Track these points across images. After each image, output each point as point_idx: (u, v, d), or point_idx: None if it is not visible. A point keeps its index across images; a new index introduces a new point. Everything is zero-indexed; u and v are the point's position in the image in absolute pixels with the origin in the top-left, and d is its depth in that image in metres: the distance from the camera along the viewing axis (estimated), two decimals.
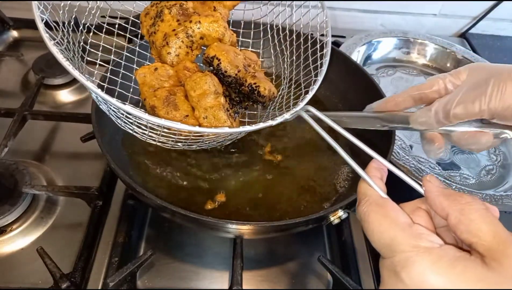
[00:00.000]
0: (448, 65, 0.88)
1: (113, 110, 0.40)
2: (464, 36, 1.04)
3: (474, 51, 0.96)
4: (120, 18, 0.52)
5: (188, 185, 0.54)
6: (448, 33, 1.05)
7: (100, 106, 0.41)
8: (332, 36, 0.67)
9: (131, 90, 0.50)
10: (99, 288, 0.49)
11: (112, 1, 0.51)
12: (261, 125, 0.38)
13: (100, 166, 0.61)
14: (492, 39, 1.03)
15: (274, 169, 0.58)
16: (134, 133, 0.42)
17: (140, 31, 0.51)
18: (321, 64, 0.46)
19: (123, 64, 0.52)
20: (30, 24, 0.85)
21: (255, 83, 0.45)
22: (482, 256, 0.26)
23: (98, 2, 0.50)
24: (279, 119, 0.39)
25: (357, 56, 0.82)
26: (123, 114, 0.39)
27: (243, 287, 0.47)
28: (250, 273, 0.53)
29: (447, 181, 0.60)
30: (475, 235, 0.26)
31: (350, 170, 0.60)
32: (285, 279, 0.53)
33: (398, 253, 0.27)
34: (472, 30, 1.03)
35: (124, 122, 0.41)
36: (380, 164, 0.35)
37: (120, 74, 0.51)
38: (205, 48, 0.47)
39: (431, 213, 0.31)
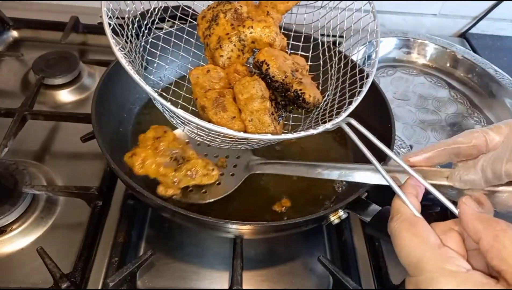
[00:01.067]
0: (448, 65, 0.88)
1: (167, 111, 0.42)
2: (464, 36, 1.04)
3: (474, 51, 0.96)
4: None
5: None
6: (448, 33, 1.05)
7: (156, 105, 0.44)
8: (332, 36, 0.67)
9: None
10: (99, 288, 0.49)
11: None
12: (302, 133, 0.39)
13: (100, 166, 0.61)
14: (492, 39, 1.03)
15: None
16: (186, 132, 0.45)
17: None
18: (367, 75, 0.46)
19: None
20: (30, 24, 0.86)
21: (300, 90, 0.47)
22: (509, 284, 0.26)
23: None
24: (320, 129, 0.40)
25: (357, 56, 0.82)
26: (175, 116, 0.42)
27: (243, 287, 0.47)
28: (250, 273, 0.53)
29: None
30: (505, 262, 0.26)
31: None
32: (285, 279, 0.53)
33: (424, 273, 0.28)
34: (472, 30, 1.03)
35: (177, 121, 0.44)
36: (417, 181, 0.35)
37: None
38: (256, 51, 0.49)
39: (463, 235, 0.31)
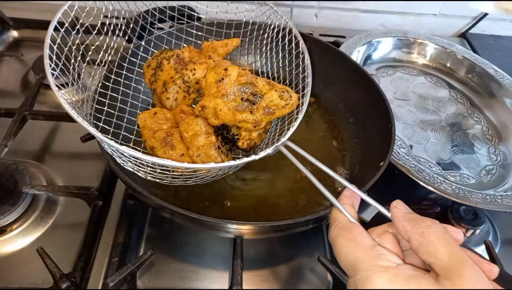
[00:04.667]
0: (448, 65, 0.88)
1: (115, 152, 0.43)
2: (464, 36, 1.04)
3: (474, 51, 0.96)
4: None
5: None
6: (448, 33, 1.05)
7: (105, 148, 0.44)
8: (332, 36, 0.68)
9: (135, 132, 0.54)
10: (99, 288, 0.49)
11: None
12: (244, 159, 0.41)
13: (100, 166, 0.61)
14: (492, 39, 1.03)
15: (272, 169, 0.58)
16: (136, 172, 0.46)
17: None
18: (302, 103, 0.49)
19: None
20: (30, 24, 0.86)
21: (236, 134, 0.49)
22: (438, 275, 0.28)
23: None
24: (261, 154, 0.42)
25: (357, 56, 0.82)
26: (124, 155, 0.42)
27: (243, 287, 0.47)
28: (250, 273, 0.53)
29: (447, 181, 0.60)
30: (433, 255, 0.29)
31: (348, 171, 0.60)
32: (285, 279, 0.53)
33: (360, 272, 0.30)
34: (472, 30, 1.03)
35: (126, 161, 0.44)
36: (352, 192, 0.37)
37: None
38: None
39: (398, 237, 0.33)
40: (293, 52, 0.55)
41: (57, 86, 0.39)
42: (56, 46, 0.41)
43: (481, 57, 0.87)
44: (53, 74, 0.40)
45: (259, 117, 0.46)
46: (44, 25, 0.84)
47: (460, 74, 0.87)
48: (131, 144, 0.51)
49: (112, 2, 0.51)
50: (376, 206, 0.35)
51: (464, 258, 0.28)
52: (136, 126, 0.53)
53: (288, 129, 0.45)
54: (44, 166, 0.61)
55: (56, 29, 0.41)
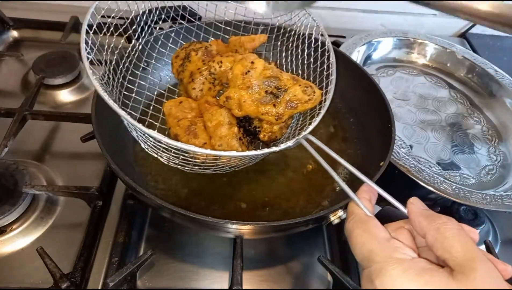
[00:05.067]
0: (448, 65, 0.88)
1: (141, 136, 0.44)
2: (464, 36, 1.04)
3: (474, 51, 0.96)
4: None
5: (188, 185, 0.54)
6: (448, 33, 1.05)
7: (131, 133, 0.45)
8: (332, 36, 0.68)
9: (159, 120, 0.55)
10: (99, 288, 0.49)
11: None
12: (265, 150, 0.42)
13: (100, 166, 0.61)
14: (492, 39, 1.03)
15: (272, 169, 0.58)
16: (159, 157, 0.47)
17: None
18: (325, 100, 0.50)
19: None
20: (30, 24, 0.85)
21: (258, 127, 0.50)
22: (452, 270, 0.28)
23: None
24: (282, 146, 0.43)
25: (357, 56, 0.82)
26: (149, 139, 0.44)
27: (243, 287, 0.47)
28: (250, 273, 0.53)
29: (447, 181, 0.60)
30: (447, 251, 0.29)
31: (348, 171, 0.60)
32: (285, 279, 0.53)
33: (374, 263, 0.30)
34: (472, 30, 1.03)
35: (151, 147, 0.45)
36: (370, 188, 0.38)
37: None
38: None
39: (413, 233, 0.34)
40: (319, 50, 0.57)
41: (91, 70, 0.40)
42: (92, 31, 0.44)
43: (481, 57, 0.87)
44: (88, 58, 0.41)
45: (282, 110, 0.47)
46: (44, 25, 0.85)
47: (460, 74, 0.87)
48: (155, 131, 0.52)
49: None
50: (392, 202, 0.35)
51: (479, 254, 0.28)
52: (161, 114, 0.55)
53: (310, 123, 0.46)
54: (44, 166, 0.61)
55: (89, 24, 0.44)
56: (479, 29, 1.04)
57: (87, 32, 0.43)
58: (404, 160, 0.60)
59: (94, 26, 0.44)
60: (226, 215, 0.52)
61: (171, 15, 0.61)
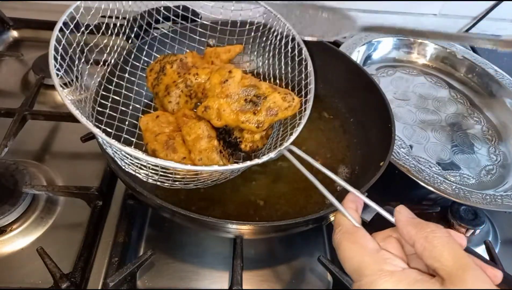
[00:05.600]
0: (448, 65, 0.88)
1: (117, 153, 0.43)
2: None
3: (474, 51, 0.96)
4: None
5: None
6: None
7: (106, 150, 0.44)
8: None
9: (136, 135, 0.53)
10: (99, 288, 0.49)
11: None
12: (248, 163, 0.41)
13: (100, 166, 0.61)
14: None
15: (272, 169, 0.58)
16: (137, 174, 0.45)
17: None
18: (305, 109, 0.48)
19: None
20: (30, 24, 0.85)
21: (239, 137, 0.49)
22: (443, 279, 0.28)
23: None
24: (264, 158, 0.42)
25: (357, 56, 0.82)
26: (126, 156, 0.42)
27: (243, 287, 0.47)
28: (250, 273, 0.53)
29: (447, 181, 0.60)
30: (437, 260, 0.28)
31: (348, 171, 0.60)
32: (285, 279, 0.53)
33: (365, 277, 0.30)
34: (472, 30, 1.03)
35: (128, 164, 0.44)
36: (356, 197, 0.37)
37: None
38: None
39: (402, 241, 0.33)
40: (296, 59, 0.55)
41: (61, 86, 0.39)
42: (61, 47, 0.41)
43: (481, 57, 0.87)
44: (58, 75, 0.40)
45: (262, 118, 0.46)
46: (44, 25, 0.85)
47: (460, 74, 0.87)
48: (132, 147, 0.49)
49: (115, 2, 0.51)
50: (380, 211, 0.35)
51: (468, 262, 0.28)
52: (137, 129, 0.53)
53: (291, 134, 0.46)
54: (44, 166, 0.61)
55: (60, 30, 0.42)
56: (479, 29, 1.04)
57: (55, 48, 0.41)
58: (404, 160, 0.60)
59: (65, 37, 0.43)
60: (226, 215, 0.52)
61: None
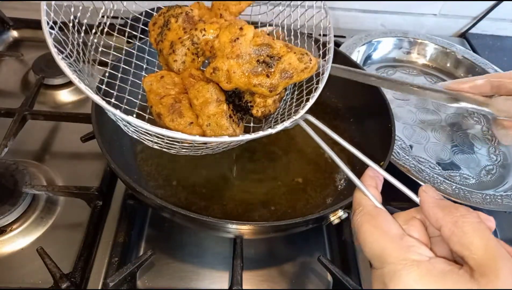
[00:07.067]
0: (448, 65, 0.88)
1: (120, 120, 0.40)
2: (464, 36, 1.04)
3: (474, 51, 0.96)
4: (121, 18, 0.52)
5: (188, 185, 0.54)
6: (448, 33, 1.05)
7: (110, 116, 0.41)
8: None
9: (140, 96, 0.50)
10: (99, 288, 0.49)
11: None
12: (260, 133, 0.39)
13: (100, 166, 0.61)
14: (492, 39, 1.03)
15: (272, 169, 0.58)
16: (142, 140, 0.43)
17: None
18: (323, 71, 0.45)
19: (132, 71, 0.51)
20: (30, 24, 0.85)
21: (250, 101, 0.46)
22: (472, 270, 0.26)
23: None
24: (279, 127, 0.40)
25: (357, 56, 0.82)
26: (130, 124, 0.39)
27: (243, 287, 0.47)
28: (250, 273, 0.53)
29: (447, 181, 0.60)
30: (467, 248, 0.26)
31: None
32: (285, 279, 0.53)
33: (388, 265, 0.28)
34: (472, 30, 1.03)
35: (132, 130, 0.42)
36: (375, 172, 0.35)
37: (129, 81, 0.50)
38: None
39: (425, 223, 0.31)
40: (314, 13, 0.50)
41: (56, 48, 0.36)
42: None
43: (481, 57, 0.87)
44: (51, 34, 0.36)
45: (276, 81, 0.42)
46: None
47: (460, 74, 0.87)
48: (136, 109, 0.47)
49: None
50: (403, 189, 0.33)
51: (500, 252, 0.26)
52: (141, 90, 0.49)
53: (307, 100, 0.42)
54: (44, 166, 0.61)
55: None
56: (479, 29, 1.04)
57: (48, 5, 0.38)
58: (404, 160, 0.60)
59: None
60: (226, 215, 0.52)
61: None
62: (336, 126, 0.67)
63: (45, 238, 0.53)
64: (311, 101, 0.42)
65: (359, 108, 0.65)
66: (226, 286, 0.51)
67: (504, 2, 0.95)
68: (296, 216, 0.43)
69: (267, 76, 0.42)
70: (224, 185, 0.56)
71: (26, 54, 0.80)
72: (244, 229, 0.45)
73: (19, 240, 0.53)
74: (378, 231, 0.29)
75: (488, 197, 0.59)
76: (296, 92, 0.50)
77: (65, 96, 0.74)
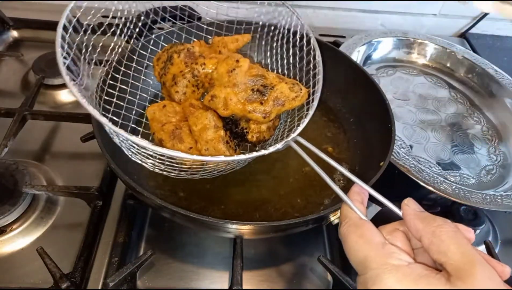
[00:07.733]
0: (448, 65, 0.88)
1: (124, 143, 0.43)
2: (464, 36, 1.04)
3: (474, 51, 0.96)
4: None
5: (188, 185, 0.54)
6: (448, 33, 1.05)
7: (113, 139, 0.44)
8: (332, 36, 0.66)
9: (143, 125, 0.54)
10: (99, 288, 0.49)
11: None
12: (254, 154, 0.41)
13: (100, 166, 0.61)
14: (492, 39, 1.03)
15: (272, 169, 0.58)
16: (143, 164, 0.45)
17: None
18: (313, 100, 0.48)
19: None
20: (30, 24, 0.85)
21: (246, 128, 0.49)
22: (449, 275, 0.27)
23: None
24: (271, 149, 0.42)
25: (357, 56, 0.82)
26: (133, 146, 0.42)
27: (243, 287, 0.47)
28: (250, 273, 0.53)
29: (447, 181, 0.60)
30: (444, 255, 0.28)
31: (348, 170, 0.60)
32: (285, 279, 0.53)
33: (370, 270, 0.29)
34: (472, 30, 1.03)
35: (135, 153, 0.44)
36: (361, 188, 0.37)
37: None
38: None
39: (408, 235, 0.33)
40: (304, 49, 0.55)
41: (68, 75, 0.39)
42: (66, 43, 0.41)
43: (481, 57, 0.87)
44: (64, 63, 0.39)
45: (269, 108, 0.46)
46: (44, 25, 0.85)
47: (460, 74, 0.87)
48: (139, 137, 0.49)
49: (117, 1, 0.51)
50: (386, 203, 0.35)
51: (476, 257, 0.27)
52: (144, 119, 0.53)
53: (298, 125, 0.45)
54: (44, 166, 0.61)
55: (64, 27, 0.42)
56: (479, 29, 1.04)
57: (63, 36, 0.41)
58: (404, 160, 0.60)
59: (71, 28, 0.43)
60: (226, 215, 0.52)
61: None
62: (336, 126, 0.67)
63: (45, 238, 0.53)
64: (302, 126, 0.45)
65: (359, 108, 0.65)
66: (226, 286, 0.51)
67: None
68: (296, 216, 0.43)
69: (261, 103, 0.46)
70: (224, 185, 0.56)
71: (26, 54, 0.80)
72: (244, 229, 0.45)
73: (19, 240, 0.53)
74: (362, 240, 0.31)
75: (488, 197, 0.59)
76: (288, 120, 0.55)
77: (65, 96, 0.74)
